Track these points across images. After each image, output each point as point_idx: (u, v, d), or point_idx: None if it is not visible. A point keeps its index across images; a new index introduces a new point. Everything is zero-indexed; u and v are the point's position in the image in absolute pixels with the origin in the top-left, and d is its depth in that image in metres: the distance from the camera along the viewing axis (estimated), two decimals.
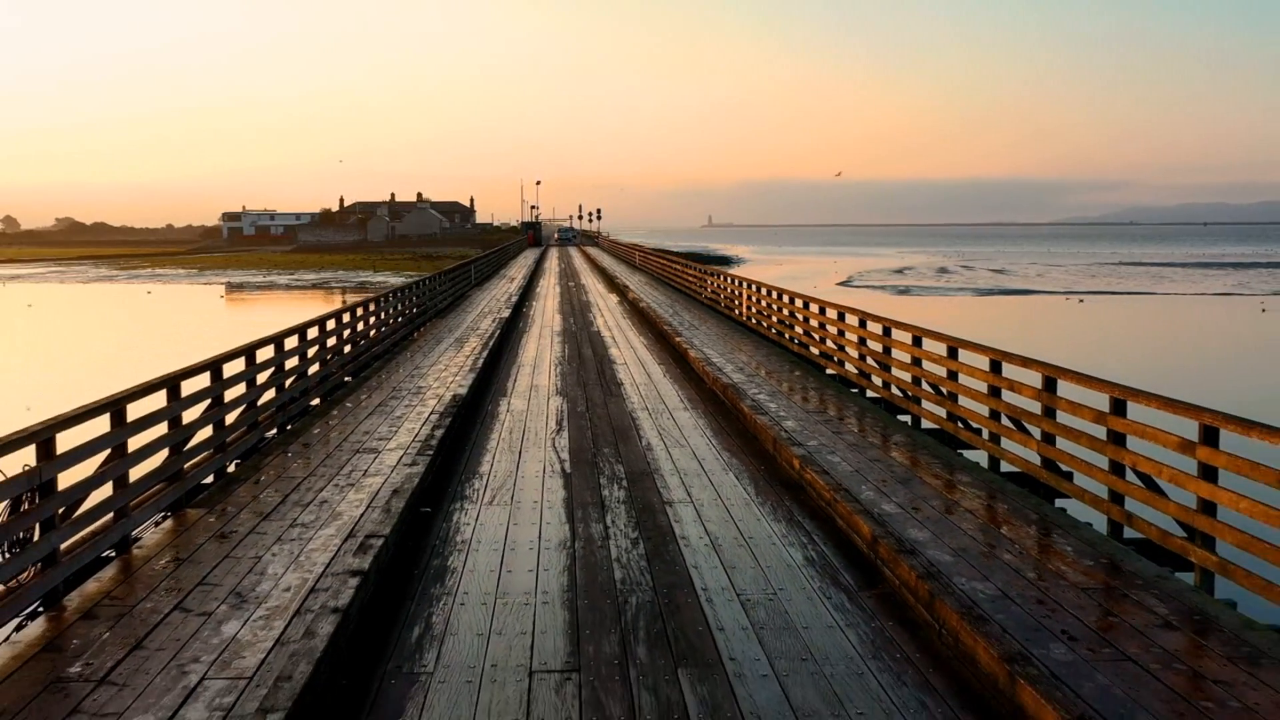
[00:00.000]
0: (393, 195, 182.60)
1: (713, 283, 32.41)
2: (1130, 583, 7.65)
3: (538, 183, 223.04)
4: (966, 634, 6.57)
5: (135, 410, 8.93)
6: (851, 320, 17.06)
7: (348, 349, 17.82)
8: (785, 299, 22.04)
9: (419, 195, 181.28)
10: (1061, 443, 10.04)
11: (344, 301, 60.88)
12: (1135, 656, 6.31)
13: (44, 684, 6.01)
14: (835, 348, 17.96)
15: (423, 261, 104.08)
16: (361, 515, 9.27)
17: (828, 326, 18.51)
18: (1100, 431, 9.22)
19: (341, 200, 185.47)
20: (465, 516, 9.82)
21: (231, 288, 73.34)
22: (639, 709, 5.83)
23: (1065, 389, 10.11)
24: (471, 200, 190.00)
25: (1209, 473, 7.67)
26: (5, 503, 6.97)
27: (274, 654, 6.32)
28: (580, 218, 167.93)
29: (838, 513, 9.57)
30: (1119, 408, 8.94)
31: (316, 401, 15.52)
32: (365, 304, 20.04)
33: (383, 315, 21.49)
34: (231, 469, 11.38)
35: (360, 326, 19.12)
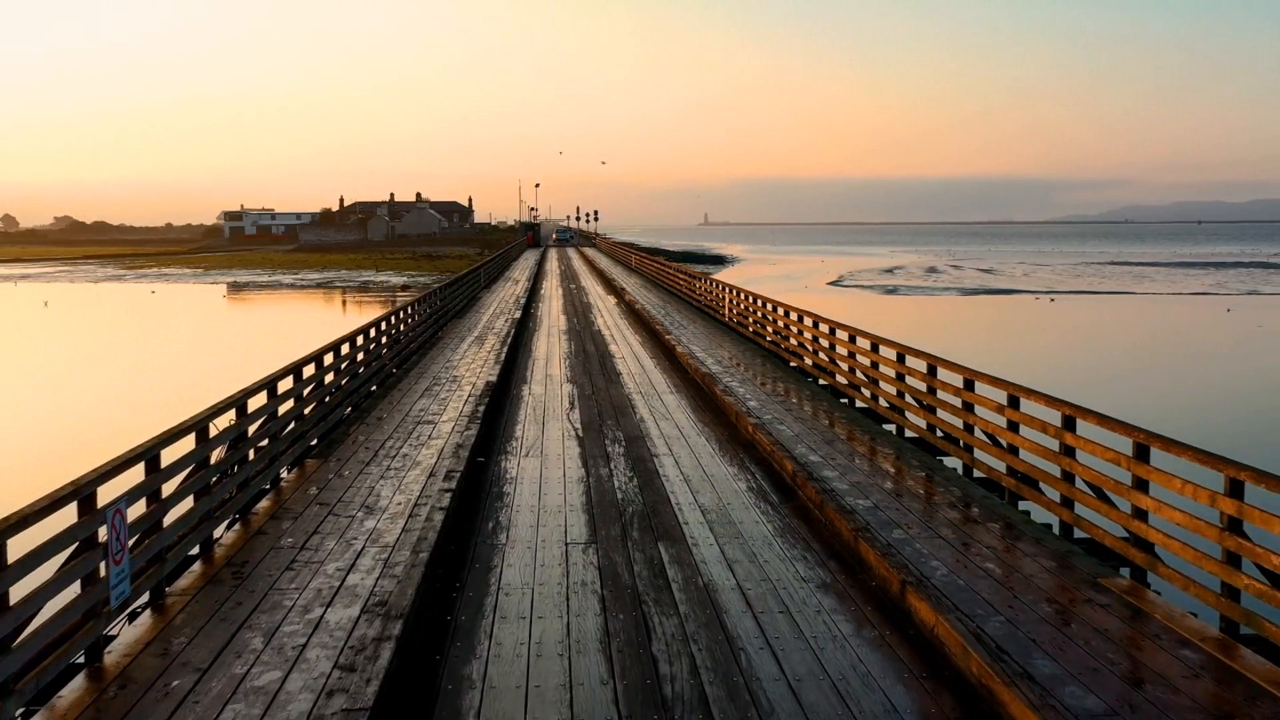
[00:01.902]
0: (392, 195, 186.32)
1: (701, 287, 36.20)
2: (967, 503, 11.41)
3: (537, 185, 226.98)
4: (838, 521, 10.39)
5: (281, 387, 12.72)
6: (808, 322, 20.85)
7: (393, 345, 21.57)
8: (759, 303, 25.82)
9: (418, 195, 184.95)
10: (941, 413, 13.81)
11: (344, 302, 64.47)
12: (945, 536, 10.07)
13: (268, 549, 9.76)
14: (797, 345, 21.74)
15: (423, 261, 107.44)
16: (436, 461, 13.05)
17: (791, 327, 22.30)
18: (958, 402, 13.02)
19: (341, 200, 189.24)
20: (509, 464, 13.63)
21: (236, 287, 76.70)
22: (633, 560, 9.63)
23: (943, 374, 13.88)
24: (470, 200, 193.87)
25: (1013, 426, 11.46)
26: (225, 445, 10.72)
27: (404, 535, 10.08)
28: (578, 218, 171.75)
29: (775, 460, 13.39)
30: (969, 385, 12.73)
31: (374, 388, 19.25)
32: (404, 308, 23.77)
33: (416, 317, 25.24)
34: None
35: (402, 327, 22.86)
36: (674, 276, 44.32)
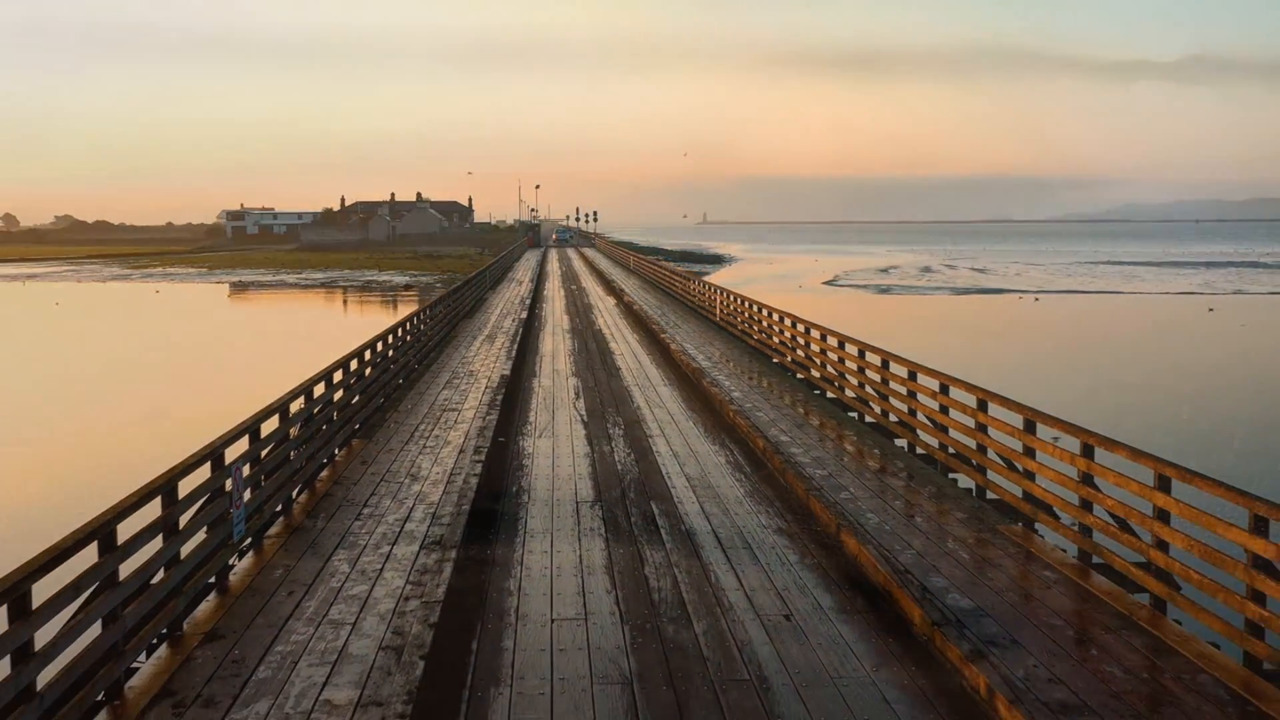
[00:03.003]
0: (393, 195, 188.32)
1: (694, 288, 38.65)
2: (910, 474, 13.82)
3: (537, 187, 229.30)
4: (796, 484, 12.83)
5: (335, 378, 15.12)
6: (787, 322, 23.28)
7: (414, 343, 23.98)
8: (746, 304, 28.24)
9: (418, 195, 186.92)
10: (893, 400, 16.22)
11: (344, 299, 66.82)
12: (883, 497, 12.48)
13: (336, 506, 12.17)
14: (779, 343, 24.16)
15: (424, 260, 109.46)
16: (464, 441, 15.48)
17: (773, 327, 24.72)
18: (905, 390, 15.44)
19: (343, 200, 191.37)
20: (526, 443, 16.06)
21: (242, 286, 78.94)
22: (630, 513, 12.07)
23: (894, 367, 16.30)
24: (470, 200, 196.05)
25: (944, 410, 13.87)
26: (299, 425, 13.12)
27: (445, 495, 12.49)
28: (577, 219, 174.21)
29: (750, 439, 15.83)
30: (912, 376, 15.15)
31: (400, 382, 21.65)
32: (424, 310, 26.19)
33: (433, 319, 27.65)
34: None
35: (422, 327, 25.28)
36: (669, 279, 46.76)
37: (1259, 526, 7.68)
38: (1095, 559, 10.18)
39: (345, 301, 64.66)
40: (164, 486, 8.63)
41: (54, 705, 6.62)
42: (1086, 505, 10.20)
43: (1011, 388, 13.58)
